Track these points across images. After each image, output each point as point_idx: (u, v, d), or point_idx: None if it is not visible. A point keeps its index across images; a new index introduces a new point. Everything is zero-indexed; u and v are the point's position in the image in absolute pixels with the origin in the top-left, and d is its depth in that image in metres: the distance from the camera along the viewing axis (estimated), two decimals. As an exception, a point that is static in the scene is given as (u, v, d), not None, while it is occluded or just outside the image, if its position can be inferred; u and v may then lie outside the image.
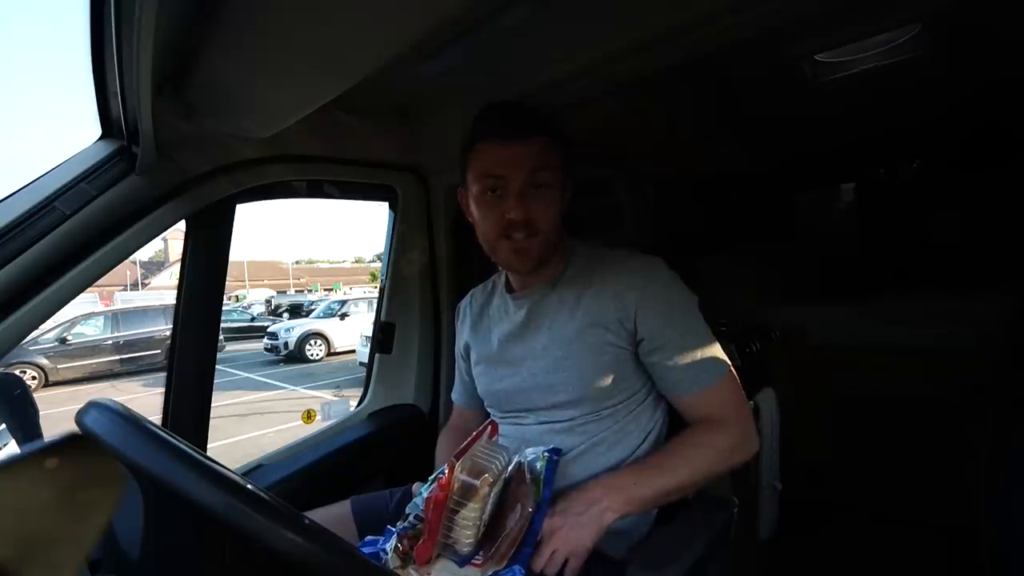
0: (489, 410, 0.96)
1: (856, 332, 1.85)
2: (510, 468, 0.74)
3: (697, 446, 0.78)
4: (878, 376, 1.76)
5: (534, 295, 0.89)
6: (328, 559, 0.40)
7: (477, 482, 0.68)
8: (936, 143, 2.05)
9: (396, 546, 0.70)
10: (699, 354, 0.79)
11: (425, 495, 0.74)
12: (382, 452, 1.30)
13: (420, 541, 0.69)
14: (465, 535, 0.67)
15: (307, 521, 0.41)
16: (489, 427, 0.83)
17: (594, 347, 0.82)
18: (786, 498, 1.34)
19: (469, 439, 0.78)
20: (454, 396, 1.08)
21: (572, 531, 0.70)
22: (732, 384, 0.81)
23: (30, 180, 0.80)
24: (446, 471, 0.70)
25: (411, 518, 0.73)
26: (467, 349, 1.00)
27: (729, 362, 0.82)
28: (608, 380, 0.82)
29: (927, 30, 0.95)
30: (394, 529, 0.73)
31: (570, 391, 0.83)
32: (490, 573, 0.67)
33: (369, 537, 0.76)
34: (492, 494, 0.69)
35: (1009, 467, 0.89)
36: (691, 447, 0.78)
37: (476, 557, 0.68)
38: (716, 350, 0.81)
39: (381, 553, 0.71)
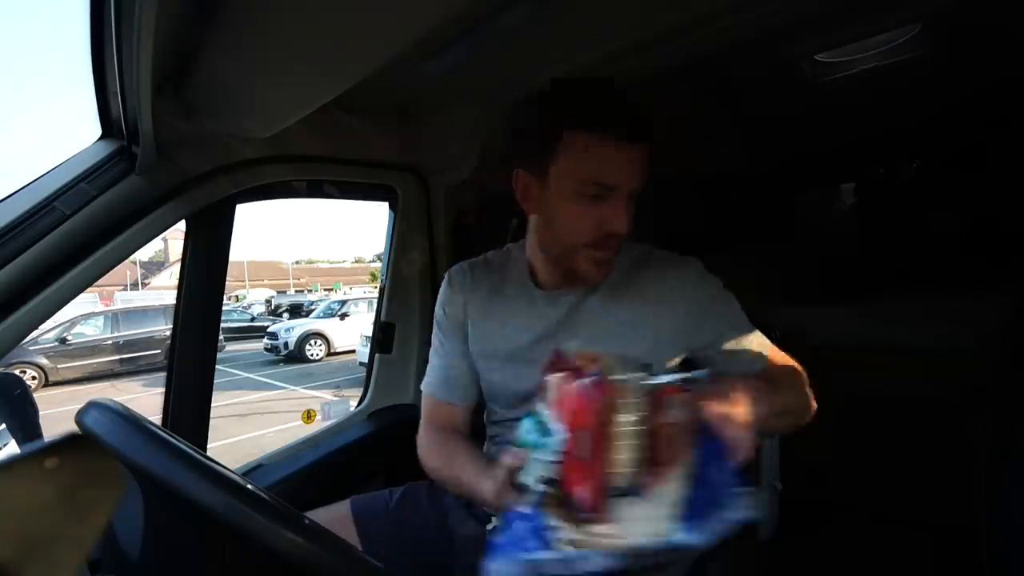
0: (492, 408, 0.89)
1: (856, 332, 1.85)
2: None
3: (791, 375, 0.78)
4: (878, 376, 1.76)
5: (572, 296, 0.81)
6: (328, 559, 0.40)
7: (630, 377, 0.50)
8: (936, 143, 2.05)
9: (550, 521, 0.51)
10: (752, 335, 0.80)
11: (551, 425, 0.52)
12: (382, 452, 1.30)
13: (572, 490, 0.50)
14: (629, 454, 0.50)
15: (307, 521, 0.41)
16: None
17: (643, 345, 0.78)
18: (786, 498, 1.34)
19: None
20: (431, 389, 0.90)
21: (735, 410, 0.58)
22: (780, 350, 0.82)
23: (30, 180, 0.80)
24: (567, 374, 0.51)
25: (536, 483, 0.53)
26: (464, 334, 0.87)
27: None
28: None
29: (927, 30, 0.95)
30: (525, 511, 0.53)
31: None
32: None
33: (500, 540, 0.54)
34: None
35: (1009, 467, 0.89)
36: (789, 376, 0.77)
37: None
38: (757, 331, 0.81)
39: (543, 535, 0.51)
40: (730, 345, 0.78)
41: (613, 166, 0.68)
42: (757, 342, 0.80)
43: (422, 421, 0.91)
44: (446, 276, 0.92)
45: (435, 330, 0.91)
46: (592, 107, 0.68)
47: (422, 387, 0.91)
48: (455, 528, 0.87)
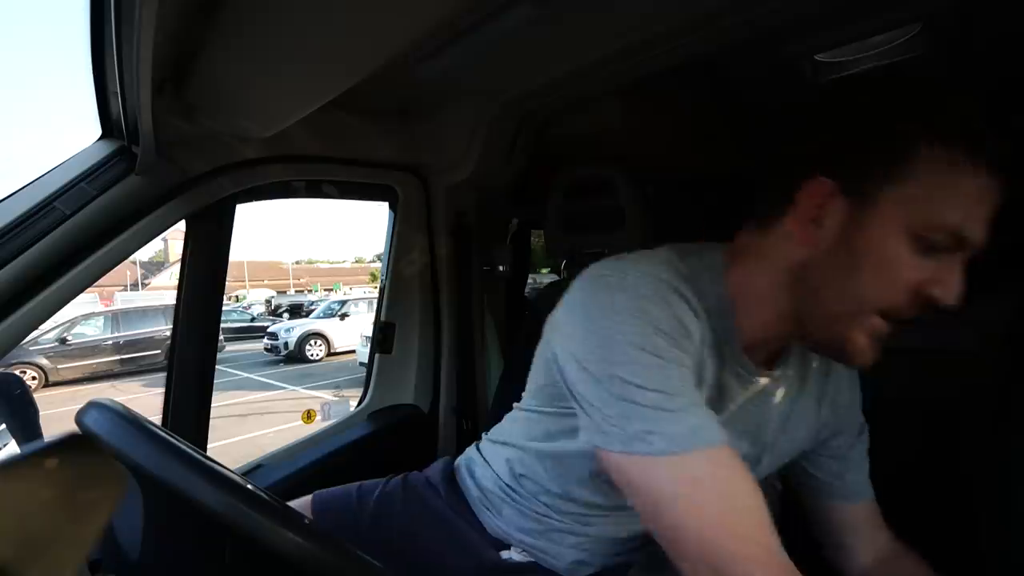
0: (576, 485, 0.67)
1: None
2: None
3: None
4: (878, 376, 1.76)
5: (786, 372, 0.64)
6: (328, 559, 0.40)
7: None
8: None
9: None
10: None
11: None
12: (382, 452, 1.30)
13: None
14: None
15: (307, 521, 0.41)
16: None
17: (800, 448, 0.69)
18: (786, 498, 1.34)
19: None
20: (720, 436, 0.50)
21: None
22: None
23: (30, 180, 0.80)
24: None
25: None
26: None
27: None
28: None
29: (927, 30, 0.95)
30: None
31: None
32: None
33: None
34: None
35: (1010, 468, 0.89)
36: None
37: None
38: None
39: None
40: (860, 456, 0.74)
41: (980, 209, 0.48)
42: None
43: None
44: (665, 284, 0.54)
45: (663, 349, 0.50)
46: (975, 120, 0.48)
47: (703, 442, 0.48)
48: (427, 527, 0.80)
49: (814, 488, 0.74)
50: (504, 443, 0.77)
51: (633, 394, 0.48)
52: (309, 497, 0.85)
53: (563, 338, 0.56)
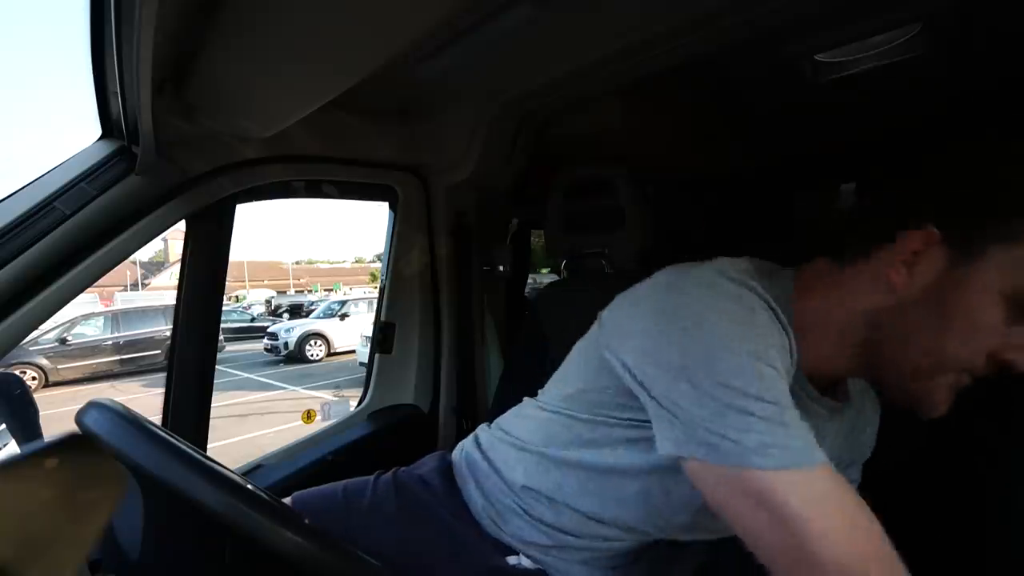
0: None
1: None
2: None
3: None
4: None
5: (848, 404, 0.65)
6: (327, 559, 0.40)
7: None
8: (936, 143, 2.05)
9: None
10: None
11: None
12: (382, 452, 1.30)
13: None
14: None
15: (306, 521, 0.41)
16: None
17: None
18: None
19: None
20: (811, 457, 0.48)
21: None
22: None
23: (30, 180, 0.80)
24: None
25: None
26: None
27: None
28: None
29: (927, 30, 0.95)
30: None
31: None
32: None
33: None
34: None
35: (1011, 468, 0.89)
36: None
37: None
38: None
39: None
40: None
41: None
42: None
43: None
44: (760, 297, 0.52)
45: (775, 359, 0.49)
46: None
47: (821, 458, 0.47)
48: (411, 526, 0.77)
49: None
50: (518, 446, 0.71)
51: (750, 405, 0.45)
52: (288, 499, 0.80)
53: (642, 345, 0.52)
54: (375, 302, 1.59)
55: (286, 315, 16.41)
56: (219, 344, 1.15)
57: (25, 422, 0.65)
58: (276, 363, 10.21)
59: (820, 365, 0.56)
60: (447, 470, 0.81)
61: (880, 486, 0.81)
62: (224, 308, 1.15)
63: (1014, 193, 0.47)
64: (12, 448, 0.68)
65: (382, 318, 1.41)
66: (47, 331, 8.86)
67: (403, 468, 0.85)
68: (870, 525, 0.47)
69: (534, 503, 0.69)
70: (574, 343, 0.68)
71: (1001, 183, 0.49)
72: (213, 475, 0.41)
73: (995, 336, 0.48)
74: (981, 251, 0.48)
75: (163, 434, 0.45)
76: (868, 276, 0.53)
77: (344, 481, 0.84)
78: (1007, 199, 0.48)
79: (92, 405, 0.47)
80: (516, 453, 0.71)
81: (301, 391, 7.69)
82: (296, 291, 31.76)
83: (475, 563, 0.72)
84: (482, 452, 0.77)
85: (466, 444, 0.83)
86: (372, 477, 0.85)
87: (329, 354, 10.66)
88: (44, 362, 8.70)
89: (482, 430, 0.82)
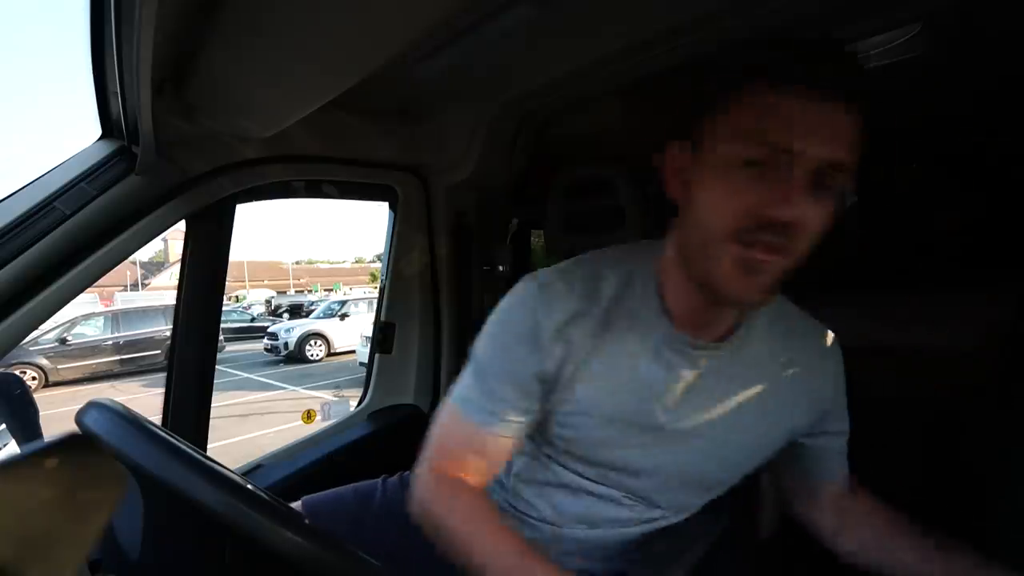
0: (565, 467, 0.69)
1: (856, 332, 1.85)
2: None
3: None
4: (878, 376, 1.76)
5: (729, 346, 0.63)
6: (327, 559, 0.40)
7: None
8: (936, 143, 2.05)
9: None
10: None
11: None
12: (382, 452, 1.30)
13: None
14: None
15: (306, 521, 0.41)
16: None
17: (773, 434, 0.68)
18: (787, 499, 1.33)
19: None
20: (477, 413, 0.64)
21: None
22: None
23: (30, 180, 0.80)
24: None
25: None
26: (552, 382, 0.63)
27: None
28: (734, 480, 0.71)
29: (927, 30, 0.95)
30: None
31: (710, 487, 0.70)
32: None
33: None
34: None
35: (1010, 468, 0.89)
36: None
37: None
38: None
39: None
40: (843, 437, 0.77)
41: (798, 121, 0.49)
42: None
43: (437, 450, 0.67)
44: (537, 283, 0.64)
45: (498, 334, 0.66)
46: (794, 55, 0.51)
47: (454, 401, 0.67)
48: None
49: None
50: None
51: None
52: (299, 503, 0.83)
53: None
54: (375, 302, 1.59)
55: (286, 315, 16.42)
56: (219, 344, 1.15)
57: (25, 422, 0.65)
58: (276, 363, 10.21)
59: (680, 296, 0.62)
60: None
61: (880, 486, 0.81)
62: (224, 308, 1.15)
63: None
64: (12, 448, 0.68)
65: (382, 318, 1.41)
66: (47, 331, 8.86)
67: (407, 472, 0.86)
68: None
69: (523, 492, 0.73)
70: None
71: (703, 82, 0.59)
72: (213, 475, 0.41)
73: (738, 199, 0.51)
74: (702, 139, 0.55)
75: (163, 434, 0.45)
76: (677, 201, 0.60)
77: (353, 485, 0.87)
78: (688, 103, 0.59)
79: (92, 405, 0.47)
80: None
81: (301, 391, 7.69)
82: (296, 291, 31.77)
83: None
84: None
85: None
86: (380, 480, 0.86)
87: (329, 354, 10.66)
88: (44, 362, 8.70)
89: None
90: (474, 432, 0.64)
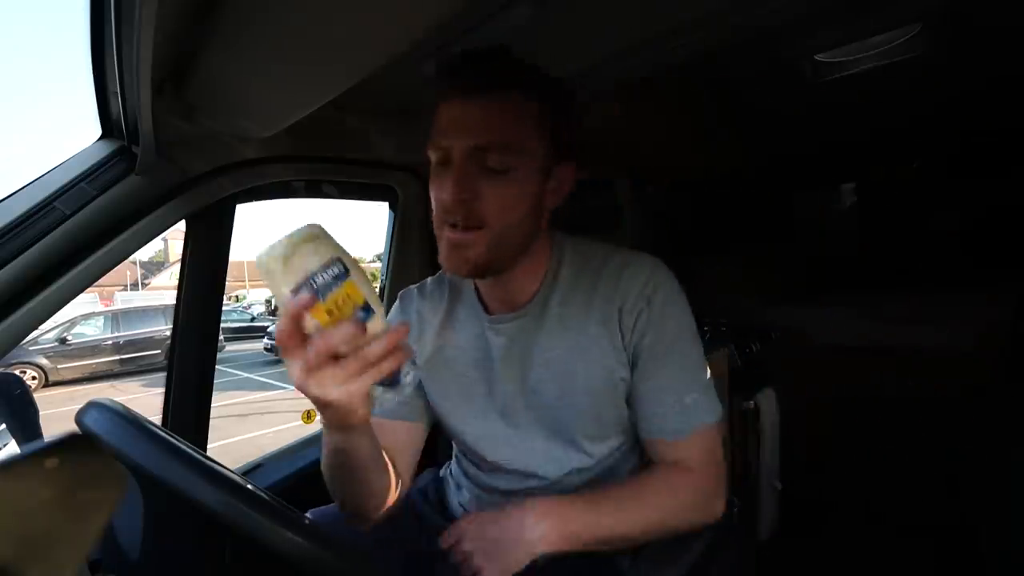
0: (463, 459, 0.80)
1: (856, 332, 1.85)
2: None
3: (660, 494, 0.66)
4: (878, 376, 1.76)
5: (514, 320, 0.70)
6: (328, 559, 0.40)
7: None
8: (936, 143, 2.05)
9: None
10: (692, 390, 0.67)
11: None
12: (382, 452, 1.30)
13: None
14: None
15: (306, 521, 0.41)
16: None
17: (597, 385, 0.68)
18: (786, 498, 1.34)
19: None
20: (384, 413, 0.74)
21: (492, 553, 0.61)
22: (717, 433, 0.69)
23: (30, 180, 0.80)
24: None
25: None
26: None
27: (720, 407, 0.70)
28: (617, 421, 0.70)
29: (927, 30, 0.95)
30: None
31: (590, 448, 0.71)
32: None
33: None
34: None
35: (1009, 468, 0.89)
36: (653, 494, 0.66)
37: None
38: (711, 388, 0.69)
39: None
40: (669, 392, 0.66)
41: (446, 119, 0.61)
42: (706, 395, 0.67)
43: None
44: (398, 296, 0.82)
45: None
46: (450, 66, 0.62)
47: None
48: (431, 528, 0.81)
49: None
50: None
51: None
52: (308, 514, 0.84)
53: None
54: (375, 302, 1.59)
55: (286, 315, 16.35)
56: (219, 344, 1.15)
57: (25, 422, 0.65)
58: (276, 363, 10.18)
59: (486, 295, 0.73)
60: (438, 487, 0.87)
61: (880, 485, 0.81)
62: (224, 308, 1.15)
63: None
64: (12, 448, 0.68)
65: (382, 318, 1.41)
66: (47, 331, 8.86)
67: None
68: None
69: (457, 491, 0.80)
70: None
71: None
72: (213, 475, 0.41)
73: (435, 192, 0.63)
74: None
75: (163, 434, 0.45)
76: None
77: None
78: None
79: (92, 405, 0.47)
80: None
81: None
82: (296, 291, 31.61)
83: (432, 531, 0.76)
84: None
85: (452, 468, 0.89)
86: None
87: (329, 354, 10.63)
88: (44, 362, 8.70)
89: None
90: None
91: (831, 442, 1.78)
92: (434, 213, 0.64)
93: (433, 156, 0.62)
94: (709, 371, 0.70)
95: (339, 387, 0.43)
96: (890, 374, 1.75)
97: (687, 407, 0.66)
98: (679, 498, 0.67)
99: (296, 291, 0.43)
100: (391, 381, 0.47)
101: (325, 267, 0.44)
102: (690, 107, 1.39)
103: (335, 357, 0.43)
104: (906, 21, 0.92)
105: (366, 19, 0.55)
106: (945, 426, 1.55)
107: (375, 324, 0.45)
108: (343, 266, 0.45)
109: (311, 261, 0.44)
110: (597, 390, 0.68)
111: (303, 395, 0.44)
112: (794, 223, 2.49)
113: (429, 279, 0.81)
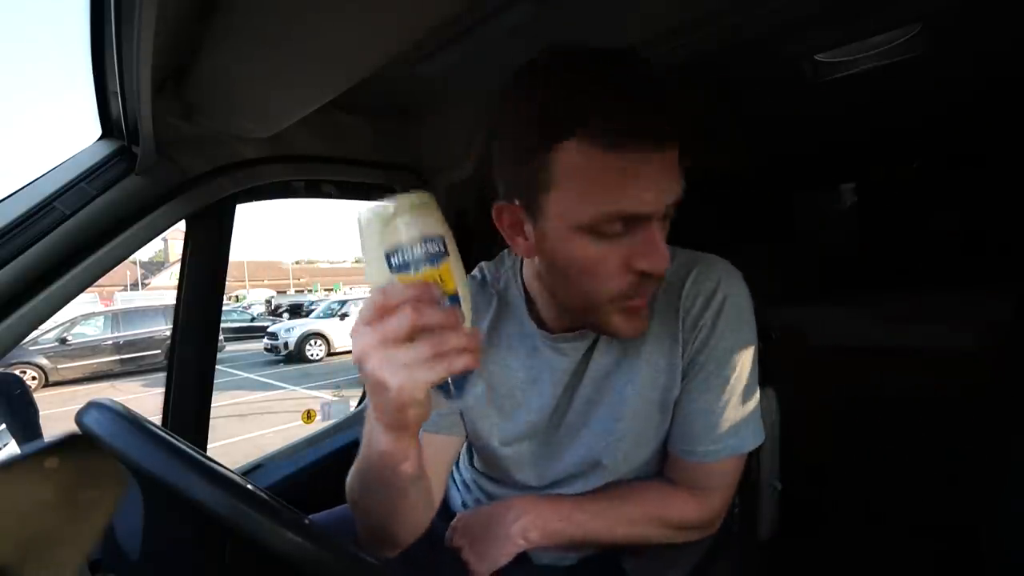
0: (475, 470, 0.77)
1: (856, 332, 1.85)
2: None
3: (657, 508, 0.65)
4: (878, 376, 1.76)
5: (583, 341, 0.65)
6: (328, 560, 0.40)
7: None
8: (936, 142, 2.05)
9: None
10: (736, 417, 0.62)
11: None
12: (382, 452, 1.30)
13: None
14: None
15: (307, 521, 0.41)
16: None
17: (652, 405, 0.64)
18: (786, 498, 1.34)
19: None
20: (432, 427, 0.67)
21: (479, 547, 0.62)
22: (743, 459, 0.65)
23: (30, 180, 0.80)
24: None
25: None
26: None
27: (761, 434, 0.65)
28: (654, 443, 0.67)
29: (927, 30, 0.95)
30: None
31: (615, 467, 0.66)
32: None
33: None
34: None
35: (1010, 467, 0.89)
36: (650, 505, 0.65)
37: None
38: (756, 415, 0.64)
39: None
40: (713, 408, 0.61)
41: (642, 181, 0.48)
42: (750, 421, 0.63)
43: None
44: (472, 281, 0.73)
45: None
46: (594, 100, 0.47)
47: None
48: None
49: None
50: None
51: None
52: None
53: None
54: (375, 302, 1.59)
55: (286, 315, 16.41)
56: (219, 344, 1.15)
57: (25, 422, 0.65)
58: (276, 363, 10.20)
59: (548, 306, 0.65)
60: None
61: (880, 485, 0.81)
62: (224, 308, 1.15)
63: (529, 147, 0.51)
64: (12, 448, 0.68)
65: (382, 318, 1.41)
66: (47, 331, 8.87)
67: None
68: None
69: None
70: None
71: (516, 144, 0.53)
72: (213, 475, 0.41)
73: (604, 262, 0.51)
74: (541, 204, 0.52)
75: (163, 434, 0.45)
76: (527, 256, 0.62)
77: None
78: (526, 155, 0.51)
79: (92, 405, 0.47)
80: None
81: (301, 391, 7.69)
82: (296, 291, 31.77)
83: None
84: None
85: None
86: None
87: (329, 354, 10.66)
88: (44, 362, 8.71)
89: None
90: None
91: (831, 442, 1.78)
92: (591, 287, 0.53)
93: (609, 226, 0.49)
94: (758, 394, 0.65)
95: (408, 370, 0.39)
96: (890, 374, 1.75)
97: (724, 434, 0.61)
98: (677, 516, 0.65)
99: (390, 255, 0.40)
100: (458, 386, 0.43)
101: (426, 240, 0.41)
102: (690, 107, 1.40)
103: (410, 338, 0.39)
104: (906, 21, 0.92)
105: (366, 19, 0.55)
106: (945, 426, 1.55)
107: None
108: (443, 245, 0.41)
109: (413, 229, 0.40)
110: (646, 415, 0.64)
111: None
112: (794, 223, 2.49)
113: (475, 275, 0.74)
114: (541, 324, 0.66)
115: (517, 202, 0.54)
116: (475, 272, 0.75)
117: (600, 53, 0.50)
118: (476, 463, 0.79)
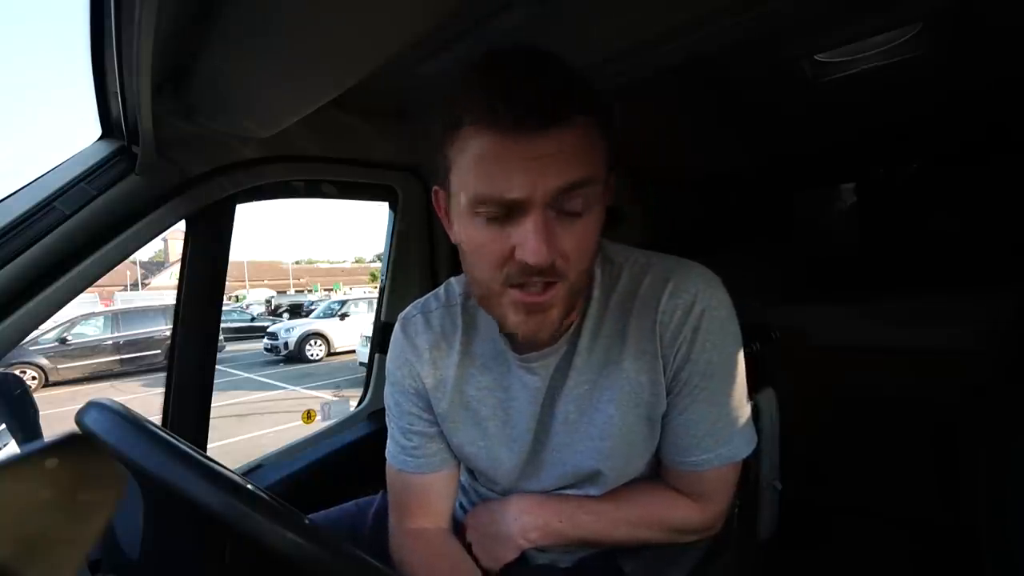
0: (472, 477, 0.77)
1: (856, 332, 1.85)
2: None
3: (656, 510, 0.65)
4: (878, 376, 1.76)
5: (555, 355, 0.63)
6: (328, 559, 0.40)
7: None
8: (936, 142, 2.05)
9: None
10: (727, 426, 0.61)
11: None
12: (382, 452, 1.30)
13: None
14: None
15: (307, 521, 0.41)
16: None
17: (639, 421, 0.62)
18: (786, 498, 1.34)
19: None
20: (399, 462, 0.71)
21: (485, 543, 0.66)
22: (738, 465, 0.64)
23: (30, 180, 0.80)
24: None
25: None
26: (427, 404, 0.70)
27: (754, 439, 0.64)
28: (646, 455, 0.66)
29: (927, 30, 0.95)
30: None
31: (606, 479, 0.66)
32: None
33: None
34: None
35: (1010, 467, 0.89)
36: (649, 507, 0.65)
37: None
38: (748, 422, 0.63)
39: None
40: (702, 419, 0.60)
41: (508, 167, 0.47)
42: (742, 427, 0.62)
43: (393, 506, 0.74)
44: (399, 323, 0.73)
45: (389, 382, 0.73)
46: (496, 86, 0.47)
47: (387, 454, 0.75)
48: None
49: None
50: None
51: None
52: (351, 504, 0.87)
53: None
54: (375, 302, 1.59)
55: (286, 315, 16.42)
56: (219, 344, 1.15)
57: (25, 422, 0.65)
58: (276, 363, 10.20)
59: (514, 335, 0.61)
60: None
61: (880, 485, 0.81)
62: (224, 308, 1.15)
63: (442, 131, 0.53)
64: (12, 448, 0.68)
65: (382, 318, 1.41)
66: (47, 331, 8.86)
67: None
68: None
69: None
70: None
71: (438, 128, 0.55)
72: (213, 475, 0.41)
73: (491, 246, 0.51)
74: (450, 185, 0.53)
75: (163, 434, 0.45)
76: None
77: (354, 501, 0.88)
78: (439, 139, 0.54)
79: (92, 405, 0.47)
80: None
81: (301, 391, 7.68)
82: (296, 291, 31.77)
83: None
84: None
85: None
86: (379, 495, 0.87)
87: (329, 354, 10.66)
88: (44, 362, 8.70)
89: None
90: (408, 480, 0.71)
91: (831, 442, 1.78)
92: (483, 270, 0.53)
93: (484, 209, 0.49)
94: (748, 401, 0.64)
95: None
96: (890, 374, 1.75)
97: (716, 443, 0.61)
98: (678, 519, 0.66)
99: None
100: None
101: None
102: (690, 107, 1.39)
103: None
104: (906, 21, 0.92)
105: (366, 19, 0.55)
106: (945, 426, 1.55)
107: None
108: None
109: None
110: (633, 431, 0.63)
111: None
112: (794, 223, 2.49)
113: (432, 302, 0.72)
114: (512, 340, 0.63)
115: (440, 187, 0.57)
116: (439, 291, 0.74)
117: (519, 49, 0.51)
118: (469, 472, 0.78)
